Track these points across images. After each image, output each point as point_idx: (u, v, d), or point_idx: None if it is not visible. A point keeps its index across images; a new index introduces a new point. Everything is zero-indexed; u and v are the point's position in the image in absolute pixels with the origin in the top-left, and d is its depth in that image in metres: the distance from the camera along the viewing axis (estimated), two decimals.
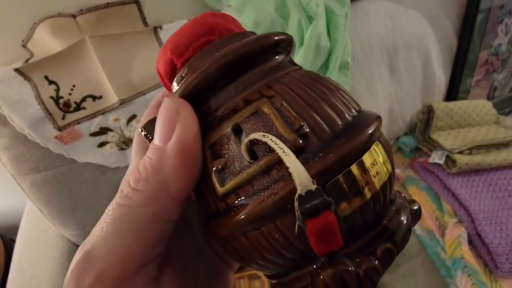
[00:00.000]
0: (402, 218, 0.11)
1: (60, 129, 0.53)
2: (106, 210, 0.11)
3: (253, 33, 0.13)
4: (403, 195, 0.12)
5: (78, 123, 0.54)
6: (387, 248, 0.10)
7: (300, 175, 0.09)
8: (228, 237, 0.11)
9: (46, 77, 0.52)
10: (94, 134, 0.56)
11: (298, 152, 0.09)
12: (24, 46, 0.54)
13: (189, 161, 0.10)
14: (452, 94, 0.88)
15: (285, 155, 0.09)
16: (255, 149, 0.10)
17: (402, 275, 0.66)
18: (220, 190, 0.10)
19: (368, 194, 0.10)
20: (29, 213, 0.73)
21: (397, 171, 0.78)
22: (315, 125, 0.10)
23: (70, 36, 0.53)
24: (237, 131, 0.10)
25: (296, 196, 0.09)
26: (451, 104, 0.84)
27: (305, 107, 0.10)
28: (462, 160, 0.74)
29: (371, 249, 0.10)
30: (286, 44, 0.12)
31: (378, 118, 0.11)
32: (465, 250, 0.65)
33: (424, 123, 0.85)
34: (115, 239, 0.10)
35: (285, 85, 0.11)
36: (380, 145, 0.11)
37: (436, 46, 0.78)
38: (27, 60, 0.53)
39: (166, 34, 0.58)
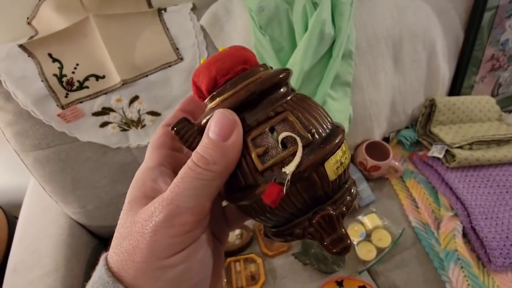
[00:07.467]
0: (352, 191, 0.18)
1: (63, 107, 0.54)
2: (181, 178, 0.16)
3: (267, 67, 0.19)
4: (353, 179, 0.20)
5: (81, 102, 0.55)
6: (348, 202, 0.18)
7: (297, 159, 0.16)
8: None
9: (50, 55, 0.52)
10: (96, 114, 0.57)
11: (308, 143, 0.16)
12: (29, 23, 0.54)
13: (239, 153, 0.16)
14: (455, 89, 0.87)
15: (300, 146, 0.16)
16: (284, 142, 0.16)
17: (395, 266, 0.67)
18: (261, 167, 0.16)
19: (341, 170, 0.17)
20: (32, 191, 0.74)
21: (396, 163, 0.78)
22: (317, 129, 0.17)
23: (74, 14, 0.53)
24: (272, 131, 0.17)
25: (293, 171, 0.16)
26: (454, 98, 0.84)
27: (309, 118, 0.17)
28: (462, 155, 0.74)
29: (340, 202, 0.17)
30: (288, 76, 0.18)
31: (343, 131, 0.18)
32: (459, 243, 0.66)
33: (425, 116, 0.85)
34: (194, 199, 0.15)
35: (295, 103, 0.17)
36: (344, 144, 0.18)
37: (442, 39, 0.78)
38: (31, 37, 0.53)
39: (170, 16, 0.58)
